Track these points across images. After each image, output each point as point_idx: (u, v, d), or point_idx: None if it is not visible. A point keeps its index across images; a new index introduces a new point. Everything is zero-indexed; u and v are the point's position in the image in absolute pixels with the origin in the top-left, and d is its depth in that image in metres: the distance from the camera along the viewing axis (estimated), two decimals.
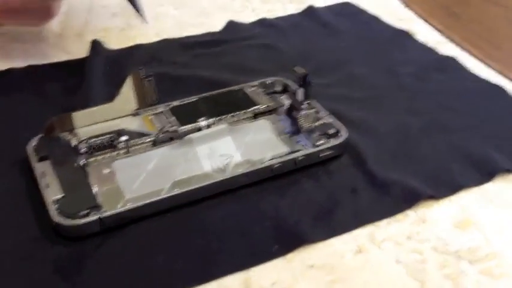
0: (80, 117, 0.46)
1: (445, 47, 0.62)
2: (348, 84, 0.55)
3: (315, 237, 0.38)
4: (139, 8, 0.58)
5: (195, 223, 0.40)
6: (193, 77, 0.55)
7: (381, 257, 0.37)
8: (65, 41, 0.62)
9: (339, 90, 0.54)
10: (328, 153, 0.45)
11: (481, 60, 0.59)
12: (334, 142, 0.45)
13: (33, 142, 0.44)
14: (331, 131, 0.46)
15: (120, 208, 0.39)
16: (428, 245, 0.38)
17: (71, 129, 0.45)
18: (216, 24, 0.66)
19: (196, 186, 0.41)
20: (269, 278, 0.36)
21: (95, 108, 0.47)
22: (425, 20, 0.67)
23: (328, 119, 0.47)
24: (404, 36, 0.63)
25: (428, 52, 0.60)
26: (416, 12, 0.69)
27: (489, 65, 0.58)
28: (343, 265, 0.37)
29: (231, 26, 0.65)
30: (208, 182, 0.41)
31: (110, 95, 0.49)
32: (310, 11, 0.68)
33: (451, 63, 0.58)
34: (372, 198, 0.42)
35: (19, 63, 0.57)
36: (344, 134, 0.46)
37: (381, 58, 0.59)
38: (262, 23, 0.66)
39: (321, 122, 0.47)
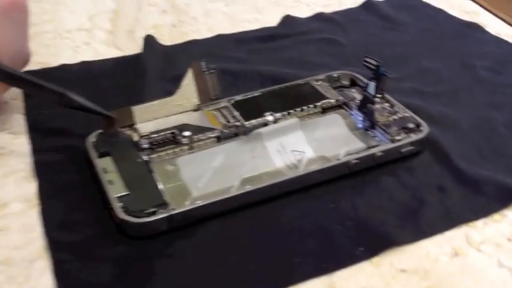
0: (140, 111, 0.43)
1: None
2: (419, 78, 0.51)
3: (403, 239, 0.35)
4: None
5: (268, 222, 0.37)
6: (253, 72, 0.53)
7: (481, 261, 0.34)
8: (115, 38, 0.60)
9: (411, 85, 0.50)
10: (409, 148, 0.41)
11: None
12: (415, 137, 0.41)
13: (92, 138, 0.42)
14: (411, 125, 0.43)
15: (188, 206, 0.36)
16: None
17: (131, 125, 0.43)
18: (270, 20, 0.63)
19: (269, 183, 0.38)
20: (357, 283, 0.33)
21: (155, 103, 0.44)
22: (493, 13, 0.63)
23: (405, 113, 0.44)
24: (475, 29, 0.59)
25: (503, 45, 0.57)
26: (481, 5, 0.65)
27: None
28: (439, 269, 0.33)
29: (288, 20, 0.62)
30: (281, 179, 0.38)
31: (165, 90, 0.46)
32: (368, 4, 0.65)
33: None
34: (462, 196, 0.38)
35: (71, 60, 0.55)
36: (425, 129, 0.42)
37: (452, 51, 0.55)
38: (320, 17, 0.63)
39: (397, 116, 0.44)
